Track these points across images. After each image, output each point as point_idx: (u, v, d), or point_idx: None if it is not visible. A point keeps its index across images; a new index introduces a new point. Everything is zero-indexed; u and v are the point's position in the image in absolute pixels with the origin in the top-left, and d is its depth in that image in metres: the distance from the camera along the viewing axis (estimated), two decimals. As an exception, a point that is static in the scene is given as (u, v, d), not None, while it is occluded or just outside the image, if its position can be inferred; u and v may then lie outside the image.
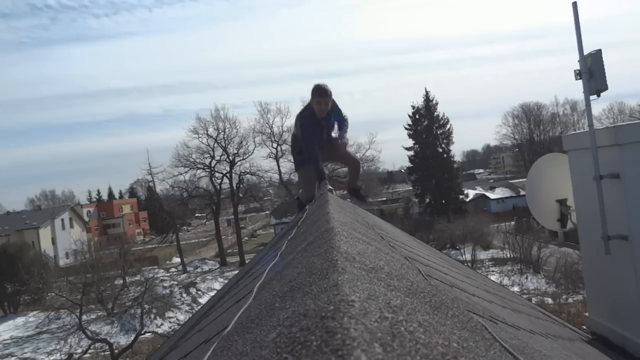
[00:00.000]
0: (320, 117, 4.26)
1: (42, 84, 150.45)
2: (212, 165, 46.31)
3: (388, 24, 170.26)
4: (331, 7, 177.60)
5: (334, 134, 4.56)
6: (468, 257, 31.70)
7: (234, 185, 46.86)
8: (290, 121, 48.82)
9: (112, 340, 20.88)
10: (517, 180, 62.05)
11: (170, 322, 23.95)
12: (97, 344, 20.83)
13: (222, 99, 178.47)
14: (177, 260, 46.92)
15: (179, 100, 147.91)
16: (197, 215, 75.78)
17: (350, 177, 5.15)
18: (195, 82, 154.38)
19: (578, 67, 3.36)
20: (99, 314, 25.40)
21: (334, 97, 4.38)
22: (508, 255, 31.76)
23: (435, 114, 48.84)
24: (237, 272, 15.41)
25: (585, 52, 3.34)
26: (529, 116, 75.13)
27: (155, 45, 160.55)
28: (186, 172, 46.04)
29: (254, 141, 46.22)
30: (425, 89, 50.35)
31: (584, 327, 4.90)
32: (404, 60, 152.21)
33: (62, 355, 20.69)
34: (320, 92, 4.20)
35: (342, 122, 4.52)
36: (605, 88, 3.29)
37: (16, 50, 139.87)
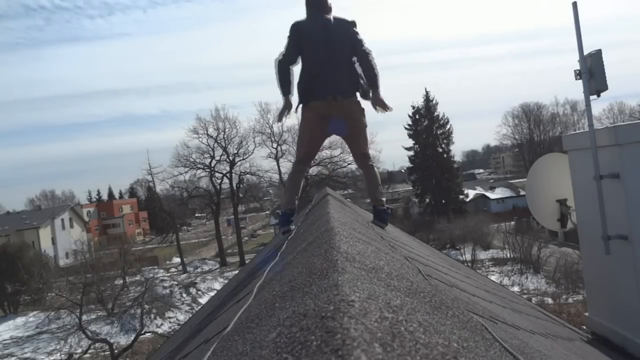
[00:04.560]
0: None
1: (37, 85, 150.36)
2: (212, 165, 46.33)
3: (382, 24, 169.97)
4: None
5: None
6: (468, 257, 31.69)
7: (234, 185, 46.85)
8: (291, 121, 48.75)
9: (112, 340, 20.86)
10: (517, 180, 62.02)
11: (170, 322, 23.92)
12: (97, 344, 20.80)
13: (219, 99, 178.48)
14: (177, 260, 46.92)
15: (176, 101, 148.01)
16: (197, 215, 75.78)
17: (367, 189, 3.89)
18: (192, 83, 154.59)
19: (578, 67, 3.36)
20: (99, 314, 25.37)
21: None
22: (508, 255, 31.75)
23: (435, 114, 48.86)
24: (237, 272, 15.42)
25: (585, 52, 3.34)
26: (529, 116, 75.14)
27: (150, 46, 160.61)
28: (186, 172, 46.05)
29: (254, 141, 46.21)
30: (425, 89, 50.46)
31: (584, 327, 4.91)
32: (401, 61, 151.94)
33: (62, 355, 20.67)
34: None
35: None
36: (605, 88, 3.29)
37: (11, 51, 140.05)
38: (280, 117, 3.67)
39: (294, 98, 3.56)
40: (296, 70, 3.57)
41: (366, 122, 3.58)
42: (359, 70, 3.50)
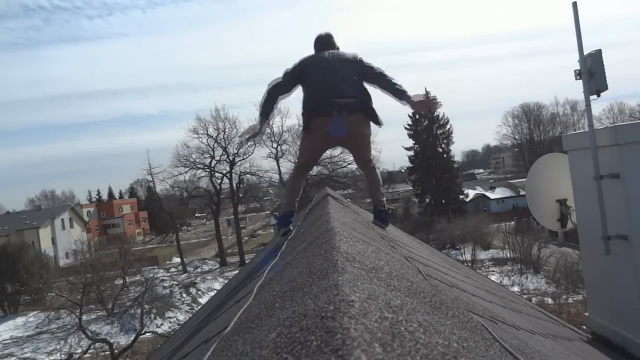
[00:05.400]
0: None
1: (36, 85, 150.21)
2: (212, 165, 46.34)
3: (382, 24, 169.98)
4: (324, 8, 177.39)
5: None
6: (468, 257, 31.68)
7: (234, 185, 46.85)
8: (291, 121, 48.73)
9: (112, 340, 20.86)
10: (517, 180, 62.01)
11: (170, 322, 23.92)
12: (97, 344, 20.81)
13: (219, 99, 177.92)
14: (177, 260, 46.91)
15: (176, 101, 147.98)
16: (197, 215, 75.76)
17: (368, 190, 3.83)
18: (191, 83, 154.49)
19: (578, 67, 3.36)
20: (99, 314, 25.35)
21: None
22: (508, 255, 31.75)
23: (435, 114, 48.85)
24: (237, 272, 15.42)
25: (585, 52, 3.34)
26: (529, 116, 75.14)
27: (150, 46, 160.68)
28: (186, 172, 46.05)
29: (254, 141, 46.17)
30: (425, 89, 50.15)
31: (584, 327, 4.91)
32: (401, 61, 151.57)
33: (62, 355, 20.66)
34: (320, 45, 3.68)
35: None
36: (605, 88, 3.29)
37: (11, 51, 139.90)
38: (247, 138, 3.69)
39: (265, 128, 3.65)
40: (294, 99, 3.59)
41: (370, 131, 3.56)
42: (369, 90, 3.48)
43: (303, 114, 3.46)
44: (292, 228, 3.41)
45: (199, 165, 46.17)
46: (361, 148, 3.61)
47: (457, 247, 34.81)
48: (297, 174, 3.72)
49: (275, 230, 49.01)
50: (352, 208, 4.44)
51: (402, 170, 71.40)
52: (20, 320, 28.61)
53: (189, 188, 47.05)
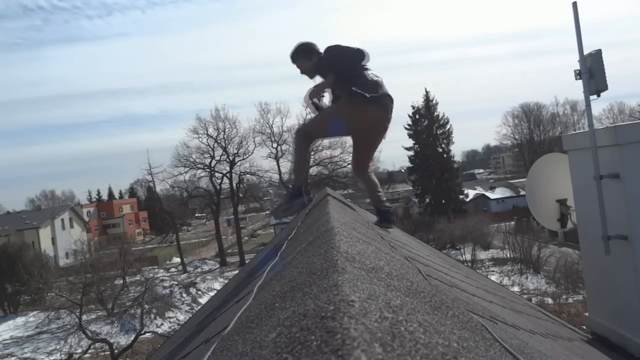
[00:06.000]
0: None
1: (36, 85, 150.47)
2: (212, 165, 46.35)
3: (382, 25, 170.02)
4: (324, 8, 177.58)
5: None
6: (468, 257, 31.68)
7: (234, 185, 46.86)
8: (291, 121, 48.65)
9: (112, 340, 20.86)
10: (517, 180, 62.00)
11: (170, 322, 23.93)
12: (97, 344, 20.80)
13: (219, 99, 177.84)
14: (177, 260, 46.92)
15: (175, 101, 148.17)
16: (197, 215, 75.78)
17: (369, 195, 3.81)
18: (191, 83, 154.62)
19: (578, 67, 3.36)
20: (99, 314, 25.37)
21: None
22: (508, 255, 31.75)
23: (435, 114, 48.88)
24: (237, 272, 15.42)
25: (585, 52, 3.34)
26: (529, 116, 75.16)
27: (149, 46, 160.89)
28: (186, 172, 46.07)
29: (254, 141, 46.18)
30: (425, 89, 50.42)
31: (584, 327, 4.91)
32: (401, 61, 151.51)
33: (62, 355, 20.67)
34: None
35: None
36: (605, 88, 3.29)
37: (10, 51, 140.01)
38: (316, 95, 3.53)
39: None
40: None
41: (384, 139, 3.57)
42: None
43: (356, 91, 3.25)
44: (306, 201, 3.42)
45: (199, 165, 46.21)
46: (369, 152, 3.67)
47: (457, 247, 34.81)
48: (303, 143, 3.57)
49: (275, 231, 49.00)
50: (352, 208, 4.43)
51: (402, 170, 71.43)
52: (20, 320, 28.61)
53: (189, 188, 47.06)
